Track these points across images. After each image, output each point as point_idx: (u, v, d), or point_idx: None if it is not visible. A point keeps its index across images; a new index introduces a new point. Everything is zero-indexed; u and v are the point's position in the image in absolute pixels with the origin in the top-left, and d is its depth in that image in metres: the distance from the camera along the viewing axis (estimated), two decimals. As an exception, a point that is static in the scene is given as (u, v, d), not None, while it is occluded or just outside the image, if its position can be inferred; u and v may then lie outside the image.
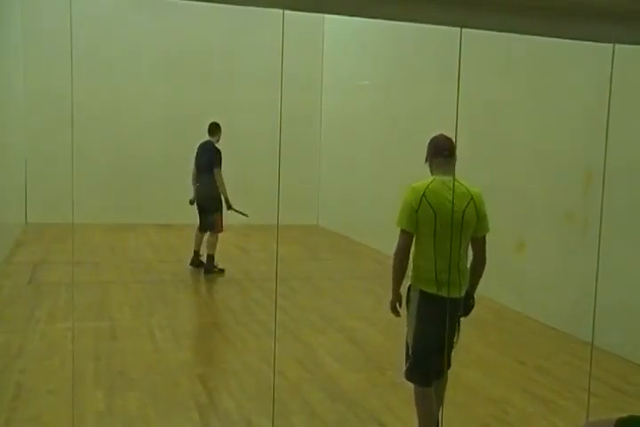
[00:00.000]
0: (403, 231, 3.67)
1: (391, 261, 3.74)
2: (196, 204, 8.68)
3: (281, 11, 2.33)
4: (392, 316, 3.83)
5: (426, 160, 3.81)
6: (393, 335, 5.29)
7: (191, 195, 8.72)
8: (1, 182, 8.74)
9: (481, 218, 3.70)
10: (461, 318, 3.82)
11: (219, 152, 8.42)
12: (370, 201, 10.88)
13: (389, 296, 3.80)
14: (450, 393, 3.95)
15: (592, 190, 6.02)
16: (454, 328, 3.76)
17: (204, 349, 5.99)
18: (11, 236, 9.92)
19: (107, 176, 12.05)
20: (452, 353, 3.83)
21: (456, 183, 3.61)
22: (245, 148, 12.27)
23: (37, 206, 11.68)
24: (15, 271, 8.26)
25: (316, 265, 9.76)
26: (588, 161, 6.02)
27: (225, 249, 9.06)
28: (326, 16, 10.90)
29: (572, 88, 6.48)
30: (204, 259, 8.60)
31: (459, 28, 2.43)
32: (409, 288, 3.78)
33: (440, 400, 3.83)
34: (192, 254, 8.72)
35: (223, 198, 8.40)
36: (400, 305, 3.78)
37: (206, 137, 8.60)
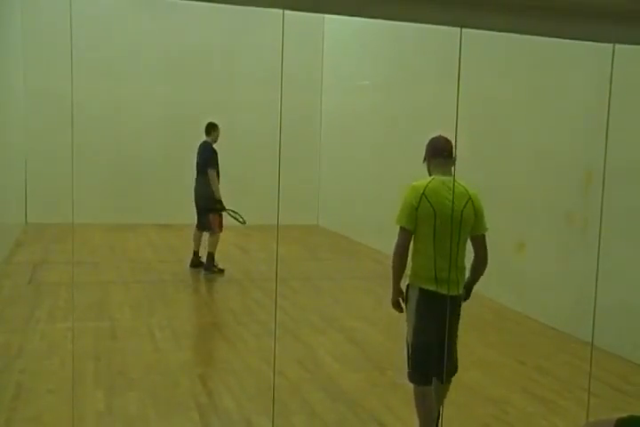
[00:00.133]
0: (402, 229, 3.71)
1: (391, 261, 3.76)
2: (194, 203, 8.72)
3: (281, 11, 2.33)
4: (392, 316, 3.84)
5: (424, 160, 3.86)
6: (393, 335, 5.29)
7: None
8: (1, 182, 8.74)
9: (479, 217, 3.75)
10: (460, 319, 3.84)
11: (214, 152, 8.45)
12: (370, 201, 10.87)
13: (390, 294, 3.81)
14: (450, 393, 3.95)
15: (592, 190, 6.02)
16: (454, 326, 3.77)
17: (203, 349, 5.99)
18: (11, 236, 9.92)
19: (107, 176, 12.05)
20: (457, 355, 3.85)
21: (455, 183, 3.65)
22: (245, 148, 12.28)
23: (37, 206, 11.69)
24: (15, 271, 8.26)
25: (315, 265, 9.76)
26: (588, 161, 6.02)
27: (225, 249, 9.06)
28: (326, 16, 10.90)
29: (571, 88, 6.48)
30: (204, 259, 8.61)
31: (459, 28, 2.43)
32: (407, 287, 3.81)
33: (440, 404, 3.84)
34: (192, 255, 8.73)
35: (217, 198, 8.42)
36: (403, 300, 3.80)
37: (204, 137, 8.63)
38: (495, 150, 7.62)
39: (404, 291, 3.82)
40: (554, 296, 6.64)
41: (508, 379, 5.19)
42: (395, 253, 3.74)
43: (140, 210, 12.06)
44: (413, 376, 3.77)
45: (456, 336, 3.84)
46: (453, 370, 3.85)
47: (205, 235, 8.62)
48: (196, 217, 8.76)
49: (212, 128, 8.59)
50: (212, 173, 8.35)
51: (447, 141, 3.76)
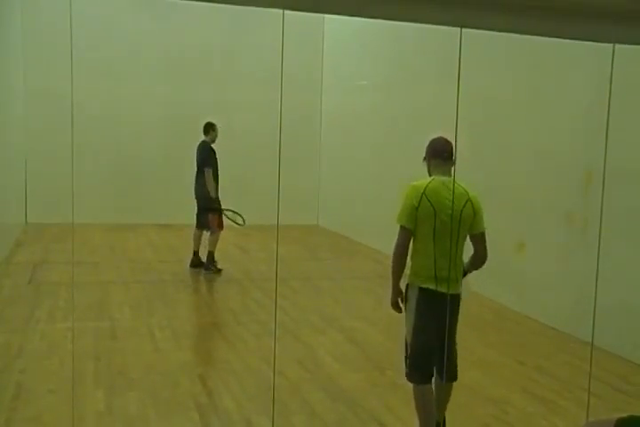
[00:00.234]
0: (402, 228, 3.72)
1: (391, 261, 3.77)
2: (195, 202, 8.75)
3: (281, 11, 2.33)
4: (392, 316, 3.84)
5: (424, 159, 3.86)
6: (393, 335, 5.28)
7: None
8: (1, 182, 8.75)
9: (477, 217, 3.77)
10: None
11: (211, 152, 8.51)
12: (370, 201, 10.87)
13: (389, 294, 3.81)
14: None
15: (592, 190, 6.02)
16: (453, 324, 3.78)
17: (203, 349, 5.99)
18: (11, 236, 9.92)
19: (107, 176, 12.05)
20: (456, 354, 3.85)
21: (455, 184, 3.68)
22: (245, 148, 12.28)
23: (37, 206, 11.69)
24: (15, 271, 8.26)
25: (315, 265, 9.76)
26: (588, 161, 6.02)
27: (225, 249, 9.07)
28: (326, 16, 10.89)
29: (571, 88, 6.48)
30: (204, 259, 8.62)
31: (459, 28, 2.43)
32: (406, 287, 3.82)
33: (443, 409, 3.85)
34: (192, 255, 8.73)
35: (212, 198, 8.44)
36: (402, 300, 3.80)
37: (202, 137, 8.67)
38: (495, 150, 7.62)
39: (404, 291, 3.82)
40: (554, 296, 6.64)
41: (508, 379, 5.19)
42: (394, 253, 3.75)
43: (140, 210, 12.05)
44: (412, 376, 3.77)
45: (455, 335, 3.84)
46: (454, 369, 3.85)
47: (205, 234, 8.64)
48: (195, 217, 8.77)
49: (210, 128, 8.63)
50: (207, 171, 8.40)
51: (447, 143, 3.77)
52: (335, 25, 12.50)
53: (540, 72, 6.88)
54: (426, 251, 3.69)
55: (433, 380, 3.79)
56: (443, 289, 3.68)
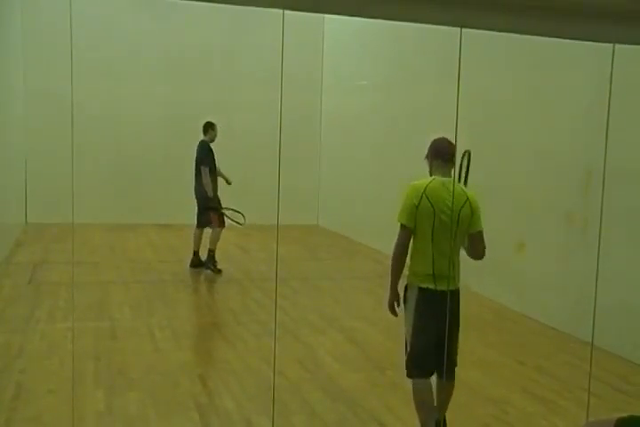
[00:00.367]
0: (403, 227, 3.75)
1: (390, 261, 3.77)
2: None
3: (281, 11, 2.32)
4: (391, 316, 3.84)
5: (425, 157, 3.88)
6: (393, 335, 5.28)
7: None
8: (1, 182, 8.74)
9: (475, 216, 3.79)
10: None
11: (209, 150, 8.56)
12: (370, 201, 10.87)
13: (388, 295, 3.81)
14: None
15: (592, 190, 6.02)
16: (455, 319, 3.78)
17: (203, 349, 5.99)
18: (11, 236, 9.92)
19: (107, 176, 12.04)
20: (457, 346, 3.85)
21: (454, 185, 3.72)
22: (245, 148, 12.27)
23: (37, 206, 11.68)
24: (15, 271, 8.26)
25: (315, 265, 9.76)
26: (588, 161, 6.02)
27: (225, 249, 9.07)
28: (326, 16, 10.89)
29: (571, 88, 6.48)
30: (203, 259, 8.61)
31: (459, 28, 2.43)
32: (405, 287, 3.82)
33: (443, 409, 3.84)
34: (192, 255, 8.73)
35: (211, 197, 8.46)
36: (398, 304, 3.81)
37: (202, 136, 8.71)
38: (495, 150, 7.61)
39: (403, 292, 3.83)
40: (554, 296, 6.63)
41: (508, 379, 5.19)
42: (394, 253, 3.77)
43: (140, 210, 12.05)
44: (412, 370, 3.78)
45: (457, 330, 3.83)
46: (452, 368, 3.83)
47: (206, 234, 8.64)
48: (196, 216, 8.77)
49: (209, 127, 8.67)
50: (203, 170, 8.44)
51: (450, 144, 3.79)
52: (335, 25, 12.50)
53: (539, 72, 6.88)
54: (424, 250, 3.71)
55: (433, 379, 3.79)
56: (442, 287, 3.70)
